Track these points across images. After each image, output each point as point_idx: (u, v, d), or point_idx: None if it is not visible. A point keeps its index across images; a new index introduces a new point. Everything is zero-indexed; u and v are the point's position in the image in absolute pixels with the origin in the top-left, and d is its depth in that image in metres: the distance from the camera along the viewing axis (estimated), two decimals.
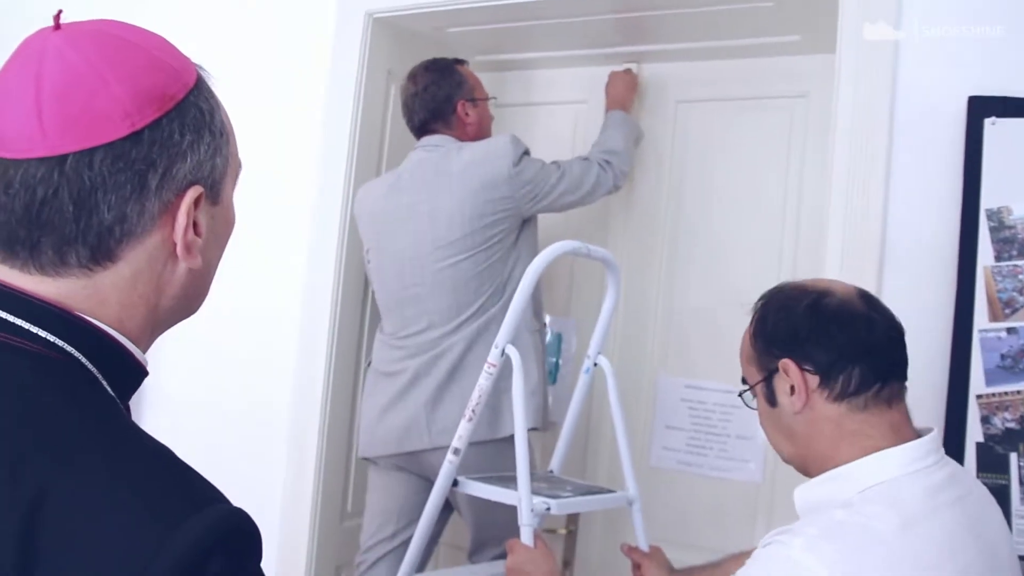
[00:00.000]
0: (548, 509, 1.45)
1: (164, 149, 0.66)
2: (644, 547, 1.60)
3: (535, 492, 1.48)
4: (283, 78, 2.31)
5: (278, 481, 2.14)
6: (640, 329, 2.25)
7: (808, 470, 1.16)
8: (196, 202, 0.69)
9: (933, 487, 1.05)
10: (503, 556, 1.78)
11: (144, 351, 0.71)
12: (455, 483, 1.57)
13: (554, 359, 2.35)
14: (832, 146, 1.74)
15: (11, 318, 0.64)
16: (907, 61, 1.66)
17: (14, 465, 0.57)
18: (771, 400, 1.16)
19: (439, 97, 2.02)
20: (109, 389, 0.66)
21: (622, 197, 2.30)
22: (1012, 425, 1.44)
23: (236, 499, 0.62)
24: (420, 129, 2.06)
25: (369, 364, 2.10)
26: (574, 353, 2.33)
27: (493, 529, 1.87)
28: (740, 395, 1.22)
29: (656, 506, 2.06)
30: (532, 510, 1.43)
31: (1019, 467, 1.42)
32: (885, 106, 1.66)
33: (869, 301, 1.15)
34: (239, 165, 0.76)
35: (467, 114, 2.04)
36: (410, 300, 1.94)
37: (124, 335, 0.68)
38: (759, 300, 1.22)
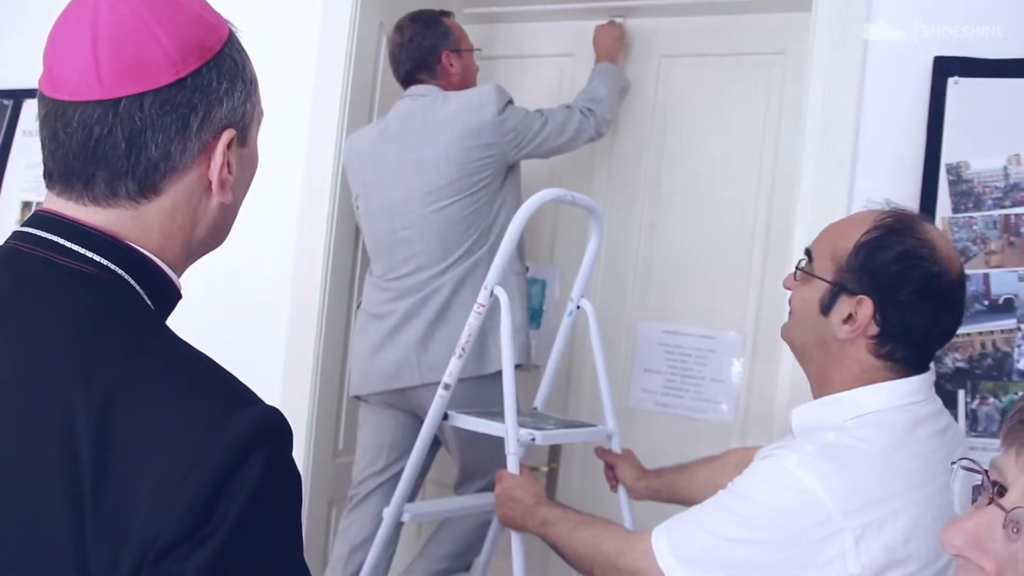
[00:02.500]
0: (533, 440, 1.55)
1: (204, 95, 0.74)
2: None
3: (521, 425, 1.57)
4: (275, 30, 2.34)
5: None
6: (621, 276, 2.34)
7: (807, 368, 1.22)
8: (229, 144, 0.77)
9: (920, 417, 1.15)
10: (489, 488, 1.89)
11: (179, 276, 0.80)
12: (445, 416, 1.67)
13: (538, 304, 2.44)
14: (806, 101, 1.82)
15: (68, 243, 0.72)
16: (878, 21, 1.74)
17: (86, 369, 0.66)
18: (825, 307, 1.16)
19: (424, 48, 2.08)
20: (152, 307, 0.75)
21: (606, 148, 2.37)
22: (961, 364, 1.56)
23: None
24: (406, 79, 2.12)
25: (359, 306, 2.18)
26: (557, 299, 2.42)
27: (479, 462, 1.98)
28: (798, 266, 1.21)
29: (634, 445, 2.15)
30: (518, 440, 1.53)
31: (966, 403, 1.55)
32: (856, 64, 1.74)
33: (963, 282, 1.16)
34: (262, 112, 0.84)
35: (452, 65, 2.10)
36: (399, 244, 2.01)
37: (164, 261, 0.77)
38: (890, 214, 1.16)
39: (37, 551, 0.64)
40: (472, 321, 1.63)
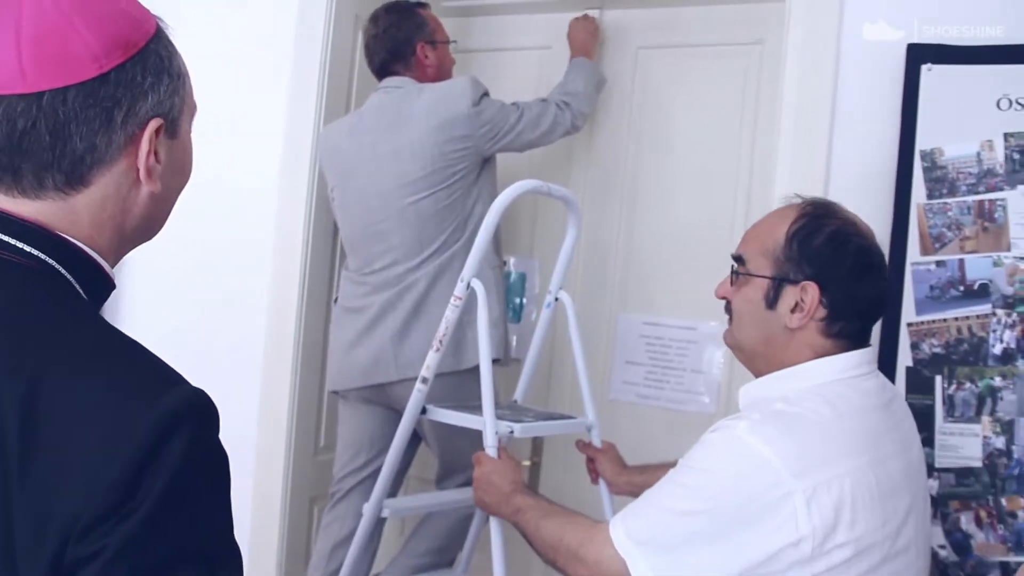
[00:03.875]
0: (512, 432, 1.54)
1: (128, 89, 0.75)
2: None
3: (500, 418, 1.57)
4: (251, 23, 2.32)
5: (252, 417, 2.20)
6: (601, 267, 2.34)
7: (756, 367, 1.25)
8: (157, 132, 0.78)
9: (864, 390, 1.18)
10: (469, 483, 1.88)
11: (112, 266, 0.80)
12: (424, 411, 1.66)
13: (518, 298, 2.43)
14: (781, 90, 1.83)
15: None
16: (853, 9, 1.74)
17: (13, 355, 0.67)
18: (770, 301, 1.21)
19: (399, 39, 2.06)
20: (84, 296, 0.76)
21: (584, 140, 2.36)
22: (938, 350, 1.56)
23: None
24: (380, 70, 2.10)
25: (336, 300, 2.17)
26: (537, 292, 2.41)
27: (459, 456, 1.97)
28: (734, 271, 1.26)
29: (615, 437, 2.15)
30: (496, 433, 1.52)
31: (943, 388, 1.55)
32: (831, 52, 1.74)
33: (884, 257, 1.24)
34: (194, 106, 0.85)
35: (426, 56, 2.08)
36: (375, 237, 2.00)
37: (95, 251, 0.77)
38: (810, 203, 1.24)
39: None
40: (449, 314, 1.62)
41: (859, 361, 1.20)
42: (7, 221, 0.74)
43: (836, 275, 1.18)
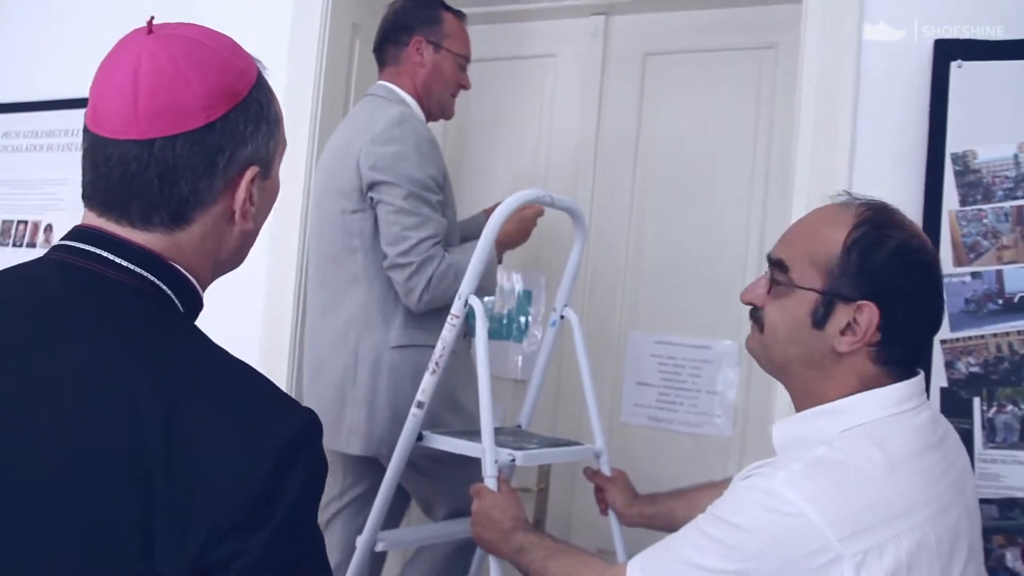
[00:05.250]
0: (513, 460, 1.43)
1: (231, 137, 0.82)
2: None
3: (501, 445, 1.46)
4: (244, 30, 2.24)
5: None
6: (609, 283, 2.23)
7: (788, 383, 1.11)
8: (252, 179, 0.85)
9: (916, 428, 1.03)
10: (456, 514, 1.77)
11: (203, 291, 0.89)
12: (420, 437, 1.55)
13: (523, 316, 2.33)
14: (799, 94, 1.73)
15: (114, 257, 0.81)
16: (874, 7, 1.64)
17: (147, 369, 0.74)
18: (818, 320, 1.05)
19: (400, 21, 1.90)
20: (186, 317, 0.85)
21: (590, 149, 2.27)
22: (976, 370, 1.44)
23: None
24: (376, 51, 1.95)
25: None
26: (543, 310, 2.31)
27: (435, 491, 1.84)
28: (773, 278, 1.10)
29: (627, 462, 2.04)
30: (496, 461, 1.41)
31: (982, 411, 1.43)
32: (852, 52, 1.65)
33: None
34: (285, 144, 0.91)
35: (421, 54, 1.88)
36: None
37: (194, 277, 0.85)
38: (867, 207, 1.07)
39: (108, 530, 0.71)
40: (446, 333, 1.52)
41: (909, 393, 1.05)
42: (122, 246, 0.81)
43: (899, 296, 1.03)
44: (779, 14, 2.06)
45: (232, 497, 0.71)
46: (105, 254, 0.81)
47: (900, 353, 1.05)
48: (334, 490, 1.93)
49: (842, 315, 1.04)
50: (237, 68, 0.84)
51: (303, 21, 2.17)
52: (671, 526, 1.43)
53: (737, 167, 2.11)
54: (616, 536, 1.58)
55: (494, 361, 2.31)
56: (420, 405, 1.53)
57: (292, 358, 2.12)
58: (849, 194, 1.11)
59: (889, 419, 1.02)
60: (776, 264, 1.10)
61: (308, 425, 0.77)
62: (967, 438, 1.41)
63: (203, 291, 0.88)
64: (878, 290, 1.03)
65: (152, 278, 0.81)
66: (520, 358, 2.31)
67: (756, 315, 1.14)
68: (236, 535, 0.71)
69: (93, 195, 0.83)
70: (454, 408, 1.74)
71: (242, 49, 0.87)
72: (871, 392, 1.03)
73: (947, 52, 1.50)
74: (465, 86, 1.97)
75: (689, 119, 2.18)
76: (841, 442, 1.00)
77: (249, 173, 0.84)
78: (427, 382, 1.53)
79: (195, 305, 0.86)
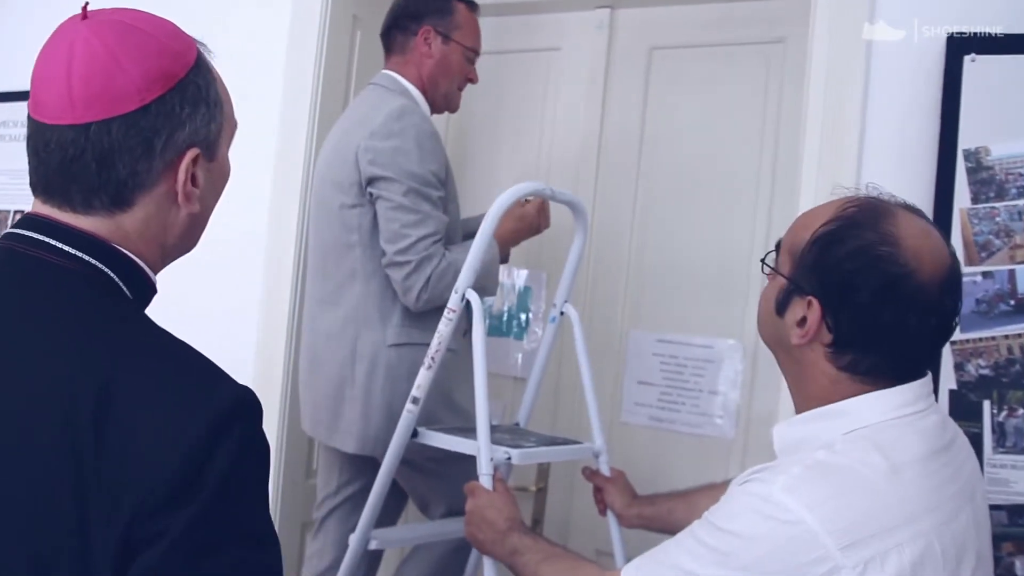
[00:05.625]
0: (509, 459, 1.40)
1: (167, 119, 0.83)
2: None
3: (497, 443, 1.43)
4: (243, 22, 2.21)
5: None
6: (611, 280, 2.20)
7: (783, 373, 1.09)
8: (195, 160, 0.86)
9: (922, 432, 0.99)
10: (453, 512, 1.74)
11: (156, 275, 0.89)
12: (415, 434, 1.52)
13: (524, 314, 2.29)
14: (806, 90, 1.69)
15: (59, 244, 0.82)
16: (884, 0, 1.60)
17: (84, 353, 0.76)
18: (779, 306, 1.04)
19: (409, 10, 1.84)
20: (131, 298, 0.85)
21: (594, 144, 2.23)
22: (986, 372, 1.40)
23: None
24: (383, 37, 1.90)
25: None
26: (544, 307, 2.27)
27: (431, 490, 1.81)
28: (762, 260, 1.10)
29: (627, 463, 2.01)
30: (492, 459, 1.38)
31: (992, 415, 1.39)
32: (861, 47, 1.61)
33: (951, 282, 0.99)
34: (234, 126, 0.92)
35: (428, 44, 1.83)
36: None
37: (142, 261, 0.86)
38: (856, 203, 1.02)
39: (42, 509, 0.72)
40: (442, 328, 1.48)
41: (915, 395, 1.00)
42: (63, 231, 0.82)
43: (847, 300, 0.98)
44: (787, 8, 2.02)
45: (160, 472, 0.71)
46: (49, 240, 0.82)
47: (860, 362, 0.99)
48: (330, 487, 1.90)
49: (798, 307, 1.02)
50: (173, 51, 0.84)
51: (303, 13, 2.14)
52: (670, 528, 1.40)
53: (743, 164, 2.07)
54: (614, 537, 1.55)
55: (494, 358, 2.30)
56: (415, 401, 1.49)
57: (288, 350, 2.09)
58: (875, 187, 1.07)
59: (894, 422, 0.98)
60: (776, 246, 1.11)
61: (243, 401, 0.77)
62: (976, 442, 1.37)
63: (155, 276, 0.88)
64: (826, 290, 0.99)
65: (96, 263, 0.82)
66: (520, 355, 2.28)
67: None
68: (163, 512, 0.71)
69: (37, 182, 0.85)
70: (450, 406, 1.70)
71: (182, 32, 0.87)
72: (874, 394, 0.99)
73: (960, 46, 1.47)
74: (472, 80, 1.92)
75: (695, 115, 2.14)
76: (843, 446, 0.96)
77: (189, 155, 0.85)
78: (423, 377, 1.49)
79: (145, 289, 0.87)
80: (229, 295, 2.19)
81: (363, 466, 1.83)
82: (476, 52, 1.90)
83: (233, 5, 2.24)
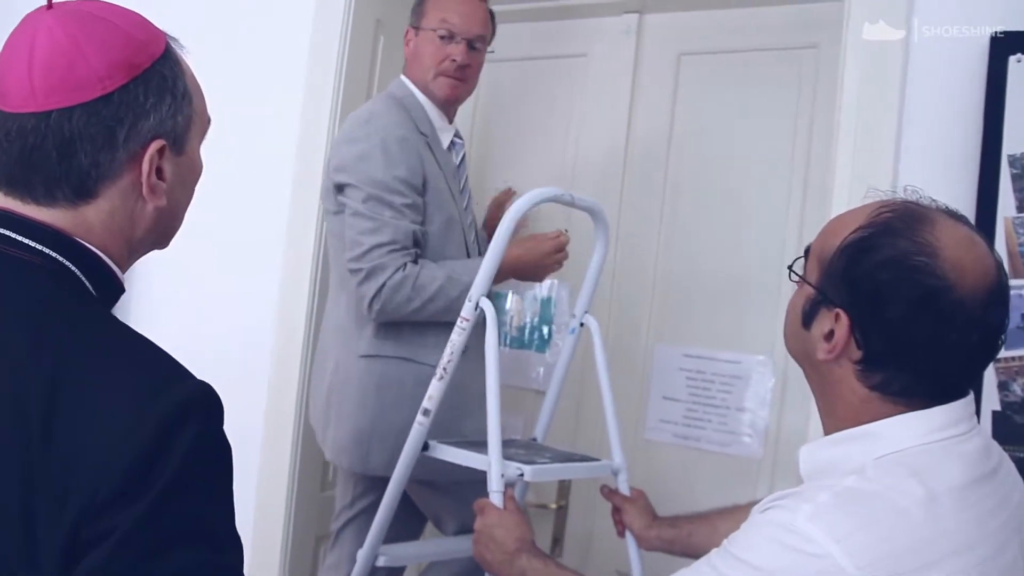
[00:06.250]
0: (521, 475, 1.34)
1: (130, 108, 0.81)
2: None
3: (511, 458, 1.37)
4: (265, 26, 2.19)
5: (255, 446, 2.05)
6: (636, 292, 2.13)
7: (811, 389, 1.02)
8: (161, 152, 0.84)
9: (965, 458, 0.91)
10: (465, 530, 1.68)
11: (123, 271, 0.87)
12: (425, 447, 1.46)
13: (546, 326, 2.24)
14: (840, 95, 1.63)
15: (18, 236, 0.80)
16: (922, 3, 1.54)
17: (37, 346, 0.74)
18: (806, 318, 0.96)
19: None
20: (95, 295, 0.83)
21: (619, 151, 2.18)
22: None
23: None
24: None
25: None
26: (567, 320, 2.21)
27: (442, 507, 1.77)
28: (789, 267, 1.03)
29: (650, 481, 1.95)
30: (503, 476, 1.32)
31: None
32: (899, 49, 1.55)
33: (996, 295, 0.91)
34: (206, 122, 0.91)
35: (408, 43, 1.83)
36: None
37: (108, 256, 0.84)
38: (890, 208, 0.94)
39: None
40: (455, 337, 1.43)
41: (956, 417, 0.92)
42: (24, 224, 0.81)
43: (878, 314, 0.90)
44: (819, 13, 1.96)
45: (108, 469, 0.69)
46: (9, 233, 0.81)
47: (893, 381, 0.91)
48: (346, 499, 1.86)
49: (825, 320, 0.94)
50: (138, 40, 0.83)
51: (325, 17, 2.11)
52: (690, 552, 1.33)
53: (774, 172, 2.01)
54: (633, 560, 1.48)
55: (515, 371, 2.24)
56: (426, 413, 1.44)
57: (303, 359, 2.05)
58: (915, 190, 0.98)
59: (931, 446, 0.90)
60: (805, 252, 1.02)
61: (198, 396, 0.75)
62: (1021, 467, 1.29)
63: (122, 272, 0.86)
64: (855, 302, 0.91)
65: (57, 256, 0.81)
66: (542, 368, 2.22)
67: None
68: (110, 510, 0.69)
69: (0, 173, 0.83)
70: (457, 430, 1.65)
71: (150, 24, 0.86)
72: (909, 415, 0.91)
73: (1005, 46, 1.39)
74: (454, 59, 1.76)
75: (724, 122, 2.08)
76: (875, 471, 0.88)
77: (154, 146, 0.83)
78: (434, 388, 1.44)
79: (108, 284, 0.85)
80: (247, 301, 2.16)
81: (376, 479, 1.79)
82: (448, 28, 1.76)
83: (256, 8, 2.22)
